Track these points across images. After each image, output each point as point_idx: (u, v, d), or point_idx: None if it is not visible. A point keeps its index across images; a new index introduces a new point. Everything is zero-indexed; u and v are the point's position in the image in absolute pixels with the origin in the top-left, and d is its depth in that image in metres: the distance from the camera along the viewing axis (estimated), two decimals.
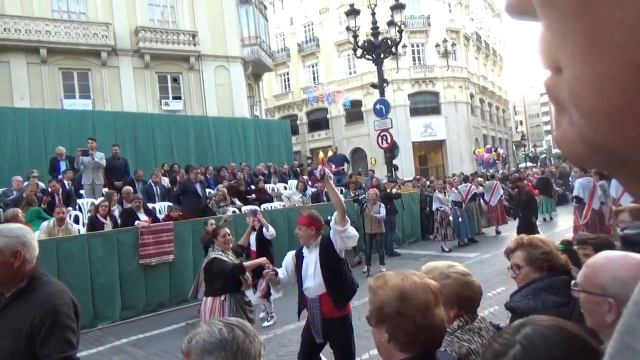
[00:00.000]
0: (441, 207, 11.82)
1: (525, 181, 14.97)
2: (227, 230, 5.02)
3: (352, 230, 3.91)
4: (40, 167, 10.79)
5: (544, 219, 15.86)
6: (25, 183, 9.49)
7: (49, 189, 9.55)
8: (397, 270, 1.51)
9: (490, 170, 24.61)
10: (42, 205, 8.74)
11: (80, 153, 10.39)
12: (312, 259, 3.91)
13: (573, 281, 1.56)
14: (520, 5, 0.31)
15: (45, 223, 7.74)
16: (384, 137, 15.31)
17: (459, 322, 1.79)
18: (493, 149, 32.91)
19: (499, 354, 0.96)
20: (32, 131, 12.17)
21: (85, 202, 10.22)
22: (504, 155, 34.24)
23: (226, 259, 4.79)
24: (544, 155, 51.47)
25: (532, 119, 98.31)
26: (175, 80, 22.16)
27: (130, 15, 20.92)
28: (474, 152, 34.81)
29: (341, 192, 13.95)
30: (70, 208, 9.21)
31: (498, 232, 13.67)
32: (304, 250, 4.01)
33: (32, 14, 18.84)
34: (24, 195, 8.73)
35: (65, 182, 10.19)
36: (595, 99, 0.26)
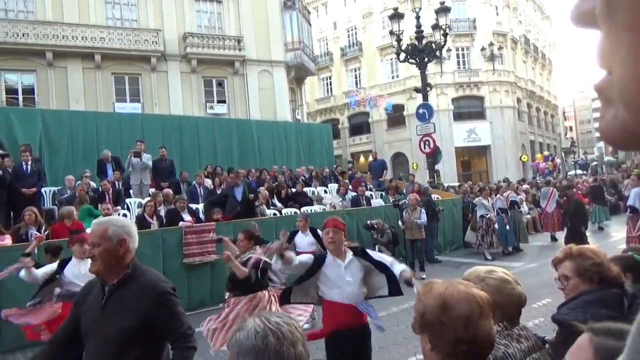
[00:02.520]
0: (487, 215, 11.52)
1: (574, 189, 14.38)
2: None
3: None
4: (92, 167, 11.29)
5: (599, 228, 15.26)
6: (78, 182, 9.95)
7: (100, 188, 9.99)
8: (447, 279, 1.48)
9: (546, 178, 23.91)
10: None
11: (132, 154, 10.81)
12: (347, 266, 3.57)
13: None
14: (584, 16, 0.38)
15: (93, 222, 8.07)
16: (427, 142, 15.10)
17: (497, 327, 1.75)
18: (550, 158, 31.90)
19: None
20: (85, 133, 12.76)
21: (133, 202, 10.62)
22: (560, 166, 33.21)
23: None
24: (595, 163, 49.19)
25: (583, 125, 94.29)
26: (220, 84, 22.71)
27: (179, 22, 21.65)
28: (520, 159, 33.82)
29: (380, 196, 13.88)
30: (119, 207, 9.60)
31: (555, 239, 13.25)
32: (330, 258, 3.59)
33: (88, 22, 19.81)
34: (76, 194, 9.17)
35: (115, 182, 10.62)
36: None
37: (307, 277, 3.63)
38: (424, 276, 9.60)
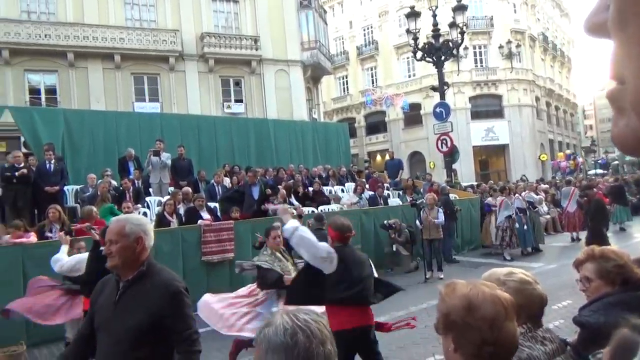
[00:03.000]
0: (512, 215, 11.40)
1: (595, 189, 14.14)
2: (279, 232, 5.00)
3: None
4: (112, 166, 11.47)
5: (621, 229, 15.06)
6: (99, 181, 10.13)
7: (121, 187, 10.16)
8: (468, 280, 1.49)
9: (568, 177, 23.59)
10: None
11: (151, 153, 10.97)
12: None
13: None
14: (597, 28, 0.39)
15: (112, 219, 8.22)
16: (444, 141, 15.00)
17: (521, 329, 1.75)
18: (572, 157, 31.44)
19: None
20: (106, 132, 12.98)
21: (153, 200, 10.78)
22: (581, 166, 32.72)
23: (271, 263, 4.75)
24: (616, 162, 48.14)
25: (603, 124, 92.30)
26: (237, 83, 22.88)
27: (197, 22, 21.86)
28: (539, 158, 33.37)
29: (398, 196, 13.84)
30: (139, 205, 9.75)
31: (578, 239, 13.11)
32: None
33: (107, 23, 20.14)
34: (98, 192, 9.34)
35: (135, 180, 10.79)
36: None
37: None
38: (441, 276, 9.56)
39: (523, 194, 12.70)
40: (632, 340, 0.99)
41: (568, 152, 33.86)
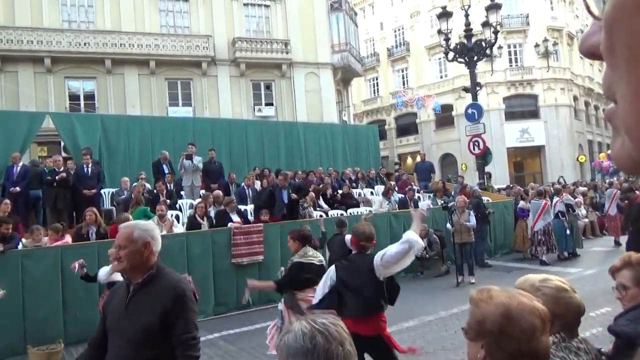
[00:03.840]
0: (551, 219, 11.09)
1: (637, 192, 13.56)
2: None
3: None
4: (147, 169, 11.76)
5: None
6: (134, 184, 10.41)
7: (155, 190, 10.40)
8: (504, 288, 1.44)
9: (612, 179, 22.79)
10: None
11: (184, 157, 11.20)
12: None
13: None
14: (592, 49, 0.40)
15: (150, 221, 8.43)
16: (476, 143, 14.71)
17: (554, 339, 1.68)
18: None
19: None
20: (141, 137, 13.33)
21: (185, 203, 10.99)
22: None
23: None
24: None
25: None
26: (268, 87, 23.11)
27: (229, 27, 22.22)
28: (577, 159, 32.28)
29: (428, 198, 13.64)
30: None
31: (618, 243, 12.64)
32: None
33: (143, 30, 20.71)
34: (132, 195, 9.60)
35: (168, 183, 11.03)
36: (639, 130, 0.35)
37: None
38: (473, 280, 9.37)
39: (562, 196, 12.36)
40: None
41: (610, 152, 32.61)
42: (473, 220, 9.83)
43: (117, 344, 2.24)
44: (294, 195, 10.17)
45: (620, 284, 2.09)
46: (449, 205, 10.39)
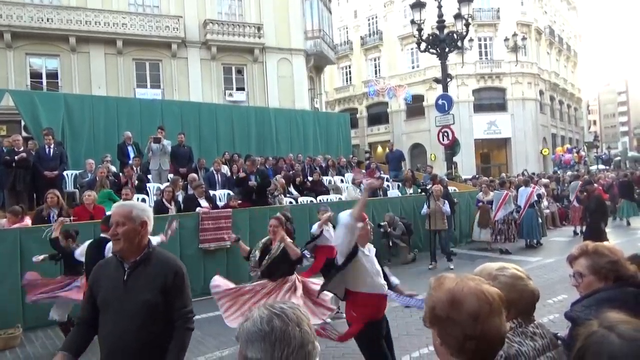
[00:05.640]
0: (512, 210, 11.42)
1: (595, 185, 14.13)
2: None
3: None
4: (112, 152, 11.45)
5: (628, 224, 15.63)
6: (98, 166, 10.11)
7: (122, 175, 10.13)
8: (459, 274, 1.47)
9: (574, 171, 23.69)
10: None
11: (152, 140, 10.95)
12: (373, 256, 3.66)
13: None
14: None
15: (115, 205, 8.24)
16: (445, 134, 14.95)
17: (511, 324, 1.73)
18: (575, 150, 31.34)
19: None
20: (106, 118, 12.93)
21: (152, 187, 10.77)
22: (585, 159, 32.60)
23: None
24: (619, 158, 47.95)
25: (607, 119, 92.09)
26: (239, 71, 22.76)
27: (200, 9, 21.71)
28: (541, 152, 33.25)
29: (397, 187, 13.81)
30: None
31: (577, 233, 13.43)
32: (361, 248, 3.58)
33: (110, 8, 20.00)
34: (97, 177, 9.34)
35: (134, 167, 10.77)
36: None
37: (346, 264, 3.47)
38: (452, 266, 9.63)
39: (535, 187, 12.98)
40: (600, 337, 0.97)
41: (568, 146, 33.69)
42: (447, 208, 10.14)
43: (115, 320, 2.26)
44: (252, 183, 10.14)
45: (577, 272, 2.15)
46: (428, 187, 10.52)
